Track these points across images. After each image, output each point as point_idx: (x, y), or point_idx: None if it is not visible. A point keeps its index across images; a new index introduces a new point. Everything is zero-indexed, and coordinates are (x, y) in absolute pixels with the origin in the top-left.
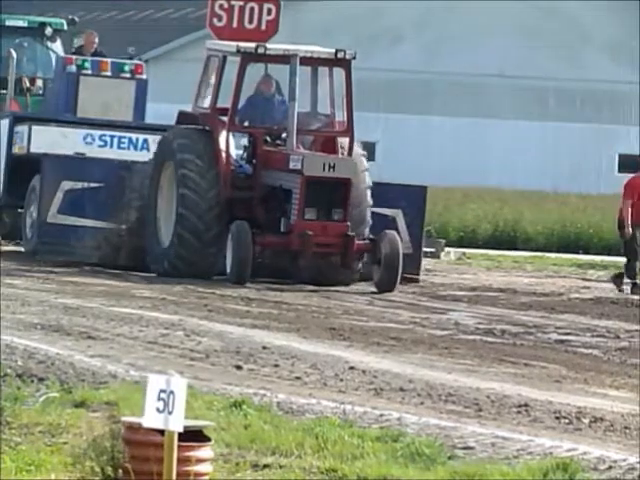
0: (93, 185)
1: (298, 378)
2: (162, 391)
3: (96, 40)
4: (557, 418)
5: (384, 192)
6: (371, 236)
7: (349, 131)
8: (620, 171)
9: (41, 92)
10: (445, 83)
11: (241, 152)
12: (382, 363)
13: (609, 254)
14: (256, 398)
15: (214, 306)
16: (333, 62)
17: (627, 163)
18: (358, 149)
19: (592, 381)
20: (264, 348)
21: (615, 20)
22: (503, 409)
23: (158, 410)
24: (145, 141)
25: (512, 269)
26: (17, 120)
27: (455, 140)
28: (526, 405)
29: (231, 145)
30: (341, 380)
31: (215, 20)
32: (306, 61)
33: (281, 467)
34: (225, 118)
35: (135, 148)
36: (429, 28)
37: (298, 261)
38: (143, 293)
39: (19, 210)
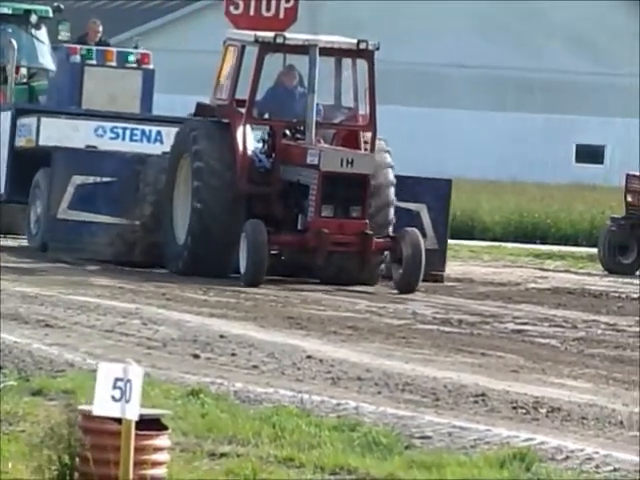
0: (105, 179)
1: (255, 367)
2: (118, 379)
3: (100, 29)
4: (514, 408)
5: (408, 186)
6: (392, 233)
7: (372, 125)
8: (577, 161)
9: (25, 81)
10: (404, 73)
11: (260, 146)
12: (339, 352)
13: (566, 244)
14: (213, 387)
15: (172, 295)
16: (355, 53)
17: (585, 153)
18: (382, 144)
19: (549, 371)
20: (221, 337)
21: (575, 11)
22: (460, 399)
23: (114, 398)
24: (159, 133)
25: (469, 259)
26: (20, 112)
27: (414, 130)
28: (483, 395)
29: (249, 138)
30: (298, 369)
31: (232, 8)
32: (326, 52)
33: (238, 456)
34: (243, 110)
35: (148, 141)
36: (389, 18)
37: (315, 260)
38: (101, 282)
39: (16, 205)
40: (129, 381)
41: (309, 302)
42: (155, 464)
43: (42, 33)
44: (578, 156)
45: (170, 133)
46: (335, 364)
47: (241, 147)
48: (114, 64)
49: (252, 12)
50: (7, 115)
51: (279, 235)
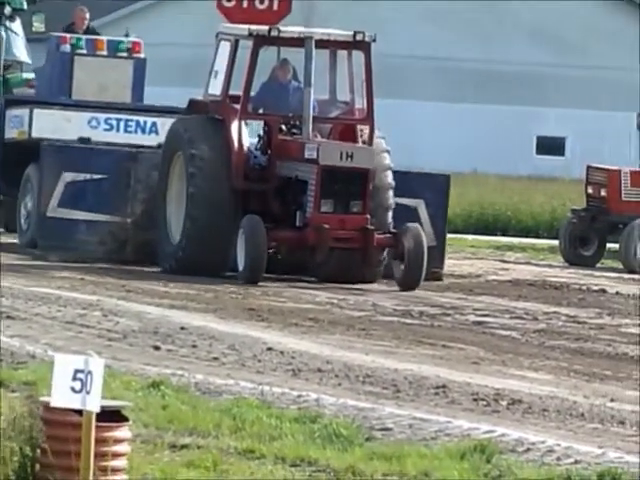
0: (96, 176)
1: (216, 359)
2: (79, 371)
3: (87, 16)
4: (475, 400)
5: (405, 181)
6: (393, 229)
7: (369, 119)
8: (538, 153)
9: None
10: None
11: (255, 142)
12: (300, 344)
13: (527, 236)
14: (174, 379)
15: (132, 286)
16: (351, 45)
17: (545, 145)
18: (381, 144)
19: (510, 363)
20: (182, 329)
21: (535, 2)
22: (421, 390)
23: (74, 390)
24: (154, 124)
25: None
26: (10, 103)
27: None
28: (444, 387)
29: (244, 134)
30: (259, 361)
31: (224, 0)
32: (322, 44)
33: (199, 447)
34: (238, 106)
35: (143, 132)
36: (349, 10)
37: (315, 257)
38: (62, 273)
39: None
40: (90, 373)
41: (270, 294)
42: (116, 455)
43: (16, 25)
44: (539, 148)
45: (166, 124)
46: (296, 356)
47: (236, 144)
48: (105, 53)
49: (245, 4)
50: None
51: (278, 231)
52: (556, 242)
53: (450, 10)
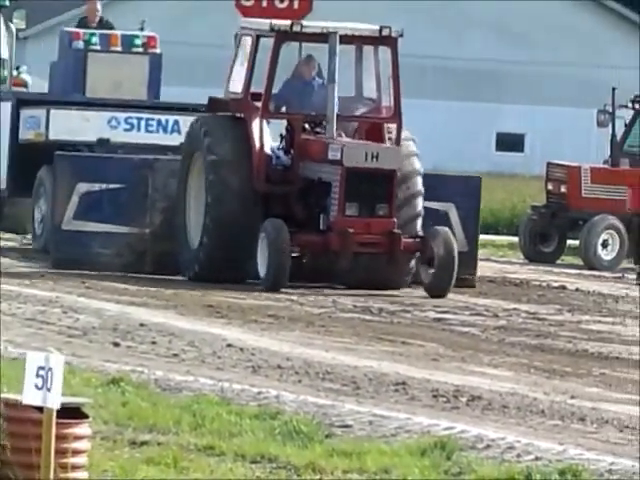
0: (112, 186)
1: (176, 355)
2: (40, 368)
3: (99, 7)
4: (435, 396)
5: (434, 183)
6: (421, 233)
7: (397, 117)
8: (498, 149)
9: None
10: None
11: (278, 142)
12: (260, 341)
13: (487, 233)
14: (134, 375)
15: (91, 283)
16: (377, 40)
17: (505, 141)
18: (406, 133)
19: (470, 359)
20: (142, 325)
21: None
22: (381, 387)
23: (37, 387)
24: (176, 123)
25: None
26: (22, 102)
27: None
28: (404, 383)
29: (266, 134)
30: (219, 357)
31: None
32: (347, 39)
33: (159, 444)
34: (259, 104)
35: (165, 131)
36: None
37: (340, 262)
38: (21, 270)
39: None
40: (50, 369)
41: (229, 290)
42: (76, 452)
43: None
44: (498, 144)
45: (188, 123)
46: (255, 353)
47: (258, 143)
48: (119, 49)
49: (264, 3)
50: (6, 105)
51: (301, 235)
52: (516, 239)
53: (409, 7)
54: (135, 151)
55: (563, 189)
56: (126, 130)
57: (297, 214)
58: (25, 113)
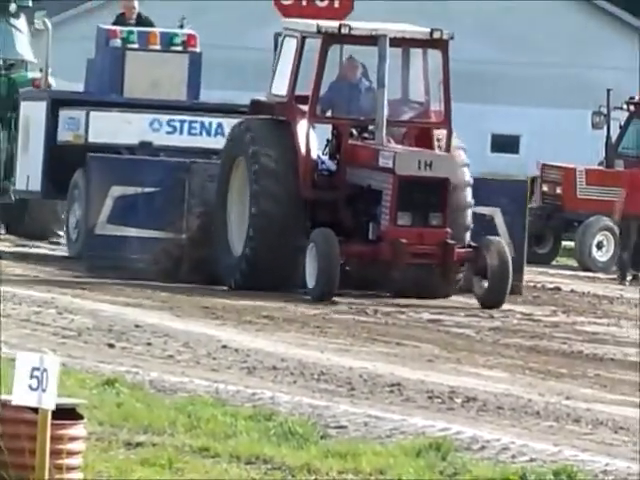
0: (147, 190)
1: (171, 356)
2: (35, 369)
3: (136, 4)
4: (430, 398)
5: (479, 187)
6: (472, 243)
7: (447, 122)
8: (493, 151)
9: (2, 73)
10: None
11: (323, 146)
12: (255, 342)
13: None
14: (129, 376)
15: (87, 284)
16: (428, 43)
17: (500, 143)
18: (456, 141)
19: (465, 361)
20: (137, 326)
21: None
22: (376, 388)
23: (31, 388)
24: (220, 125)
25: None
26: (57, 103)
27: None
28: (399, 384)
29: (312, 138)
30: (214, 359)
31: None
32: (396, 42)
33: (154, 445)
34: (304, 107)
35: (208, 134)
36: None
37: (390, 273)
38: (15, 271)
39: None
40: (45, 370)
41: (224, 291)
42: (70, 453)
43: (21, 22)
44: (493, 146)
45: (232, 125)
46: (250, 354)
47: (304, 148)
48: (158, 47)
49: (304, 1)
50: (41, 105)
51: (351, 245)
52: None
53: (404, 8)
54: (178, 154)
55: (558, 190)
56: (168, 133)
57: (345, 222)
58: (64, 114)
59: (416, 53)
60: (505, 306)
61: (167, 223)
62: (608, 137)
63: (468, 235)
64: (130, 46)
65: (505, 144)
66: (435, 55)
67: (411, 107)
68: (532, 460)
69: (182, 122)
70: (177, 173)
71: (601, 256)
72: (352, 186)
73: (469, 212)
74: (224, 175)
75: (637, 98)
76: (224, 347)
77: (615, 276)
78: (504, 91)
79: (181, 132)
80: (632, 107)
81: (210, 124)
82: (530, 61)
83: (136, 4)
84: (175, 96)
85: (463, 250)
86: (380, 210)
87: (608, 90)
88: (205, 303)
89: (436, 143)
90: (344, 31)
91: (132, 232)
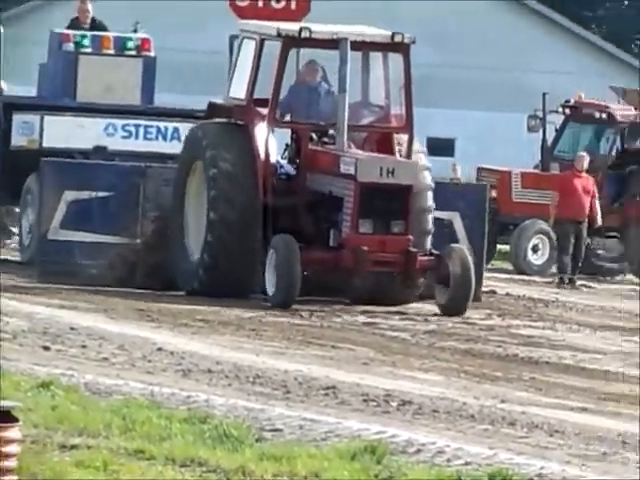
0: (101, 194)
1: (106, 359)
2: None
3: (89, 8)
4: (365, 401)
5: (438, 192)
6: (434, 250)
7: (409, 127)
8: (428, 154)
9: None
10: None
11: (282, 150)
12: (190, 344)
13: None
14: (64, 379)
15: (22, 286)
16: (389, 46)
17: (435, 146)
18: (417, 145)
19: (400, 364)
20: (72, 329)
21: (427, 3)
22: (311, 391)
23: None
24: (176, 130)
25: None
26: (10, 107)
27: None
28: (334, 387)
29: (272, 142)
30: (149, 361)
31: None
32: (358, 45)
33: (89, 448)
34: (264, 111)
35: (164, 138)
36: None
37: (352, 280)
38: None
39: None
40: None
41: (159, 294)
42: (5, 456)
43: None
44: (428, 149)
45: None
46: (185, 356)
47: (263, 153)
48: (111, 51)
49: (260, 3)
50: None
51: (312, 252)
52: None
53: (333, 6)
54: (133, 159)
55: (493, 194)
56: (124, 137)
57: (305, 228)
58: (18, 119)
59: (376, 57)
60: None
61: (121, 228)
62: (544, 140)
63: (429, 240)
64: (83, 50)
65: (440, 147)
66: (396, 59)
67: (372, 111)
68: (467, 463)
69: (137, 127)
70: (132, 177)
71: (536, 259)
72: (312, 192)
73: (430, 216)
74: (181, 180)
75: (573, 101)
76: (159, 350)
77: (550, 279)
78: (439, 94)
79: (136, 137)
80: (568, 110)
81: (166, 129)
82: (465, 64)
83: (90, 8)
84: (129, 100)
85: (425, 258)
86: (341, 217)
87: (544, 94)
88: (140, 306)
89: (397, 147)
90: (304, 34)
91: (86, 237)
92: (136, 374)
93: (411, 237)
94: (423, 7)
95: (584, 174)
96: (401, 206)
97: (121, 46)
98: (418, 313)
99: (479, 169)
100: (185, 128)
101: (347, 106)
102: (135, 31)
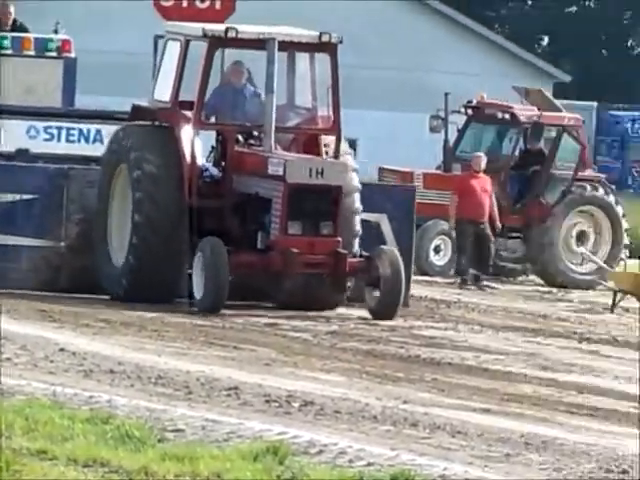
0: (25, 197)
1: (8, 359)
2: None
3: (11, 10)
4: (267, 401)
5: (365, 194)
6: (364, 252)
7: (336, 128)
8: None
9: None
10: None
11: (207, 153)
12: (92, 345)
13: None
14: None
15: None
16: (316, 46)
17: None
18: (344, 147)
19: (302, 364)
20: None
21: (328, 3)
22: (213, 392)
23: None
24: (98, 132)
25: None
26: None
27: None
28: (236, 388)
29: (197, 145)
30: (51, 362)
31: None
32: (285, 46)
33: None
34: (188, 113)
35: (87, 141)
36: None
37: (280, 283)
38: None
39: None
40: None
41: (60, 296)
42: None
43: None
44: None
45: (112, 132)
46: (88, 357)
47: (189, 155)
48: (32, 53)
49: (185, 3)
50: None
51: (240, 255)
52: None
53: (242, 8)
54: (56, 162)
55: None
56: (46, 140)
57: (231, 231)
58: None
59: (303, 57)
60: (342, 310)
61: (45, 231)
62: (446, 141)
63: (357, 242)
64: (4, 52)
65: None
66: (323, 59)
67: (298, 113)
68: (370, 464)
69: (60, 129)
70: (55, 179)
71: (438, 260)
72: (239, 194)
73: (358, 218)
74: (105, 183)
75: (475, 102)
76: (62, 350)
77: (452, 280)
78: (341, 94)
79: (59, 139)
80: (470, 111)
81: (89, 131)
82: (366, 64)
83: (12, 10)
84: (50, 102)
85: (355, 260)
86: (270, 219)
87: (446, 93)
88: (42, 307)
89: (324, 149)
90: (231, 34)
91: (9, 240)
92: (38, 374)
93: (340, 239)
94: (325, 6)
95: (482, 174)
96: (330, 207)
97: (42, 47)
98: (319, 314)
99: (381, 169)
100: (108, 130)
101: (274, 107)
102: (56, 32)
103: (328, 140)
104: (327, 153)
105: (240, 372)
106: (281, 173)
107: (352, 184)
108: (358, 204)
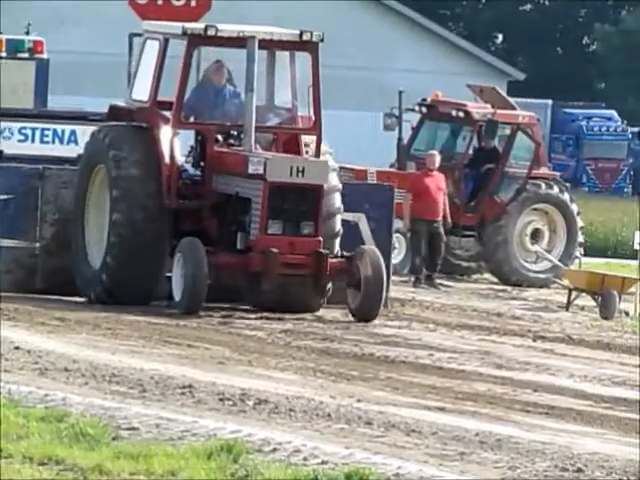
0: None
1: None
2: None
3: None
4: (221, 400)
5: (342, 192)
6: (345, 252)
7: (317, 128)
8: None
9: None
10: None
11: (185, 153)
12: (47, 343)
13: None
14: None
15: None
16: (297, 45)
17: None
18: (325, 146)
19: (256, 363)
20: None
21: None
22: (167, 390)
23: None
24: (73, 133)
25: None
26: None
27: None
28: (190, 386)
29: (176, 145)
30: (6, 360)
31: None
32: (265, 44)
33: None
34: (167, 113)
35: (61, 142)
36: (100, 10)
37: (260, 284)
38: None
39: None
40: None
41: (14, 296)
42: None
43: None
44: None
45: (87, 133)
46: (43, 355)
47: (168, 155)
48: (4, 54)
49: (160, 1)
50: None
51: (219, 256)
52: None
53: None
54: (30, 163)
55: None
56: (20, 141)
57: (211, 231)
58: None
59: (283, 56)
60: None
61: (20, 231)
62: (400, 139)
63: (337, 242)
64: None
65: None
66: (303, 57)
67: (277, 113)
68: (324, 462)
69: (34, 130)
70: (30, 180)
71: (393, 258)
72: (219, 194)
73: (338, 218)
74: (83, 183)
75: (429, 100)
76: (16, 348)
77: (407, 278)
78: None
79: (33, 140)
80: (424, 109)
81: (63, 132)
82: (322, 62)
83: None
84: (22, 103)
85: (336, 260)
86: (250, 219)
87: (400, 91)
88: None
89: (304, 149)
90: (210, 33)
91: None
92: None
93: (321, 239)
94: (279, 5)
95: (436, 172)
96: (311, 206)
97: (14, 49)
98: (273, 312)
99: (340, 168)
100: (83, 131)
101: (255, 106)
102: (27, 33)
103: (308, 140)
104: (307, 153)
105: (194, 370)
106: (261, 172)
107: (332, 184)
108: (339, 204)
